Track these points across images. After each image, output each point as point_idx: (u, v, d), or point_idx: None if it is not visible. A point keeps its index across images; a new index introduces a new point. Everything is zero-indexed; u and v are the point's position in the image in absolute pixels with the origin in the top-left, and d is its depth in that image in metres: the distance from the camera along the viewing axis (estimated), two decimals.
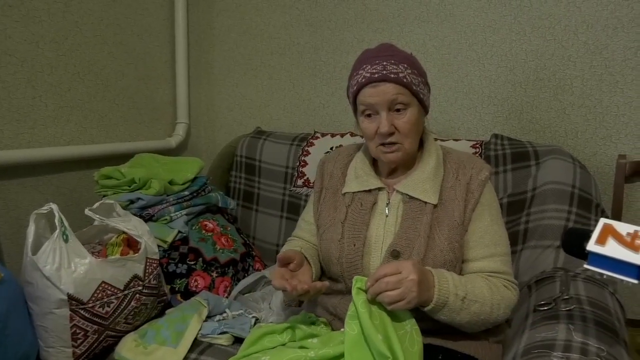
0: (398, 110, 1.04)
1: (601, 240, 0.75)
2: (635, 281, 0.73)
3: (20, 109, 1.50)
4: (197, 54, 2.17)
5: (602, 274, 0.75)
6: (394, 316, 0.95)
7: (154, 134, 2.03)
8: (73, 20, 1.64)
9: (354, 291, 0.93)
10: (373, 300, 0.93)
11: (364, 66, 1.05)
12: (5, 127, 1.47)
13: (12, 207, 1.50)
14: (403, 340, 0.93)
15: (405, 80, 1.02)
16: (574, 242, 0.80)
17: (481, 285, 1.01)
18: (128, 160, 1.63)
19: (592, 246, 0.75)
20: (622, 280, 0.73)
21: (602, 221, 0.77)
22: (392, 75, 1.02)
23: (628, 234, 0.74)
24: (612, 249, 0.73)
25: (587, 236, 0.77)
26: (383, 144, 1.06)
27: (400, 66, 1.03)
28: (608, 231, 0.75)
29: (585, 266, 0.77)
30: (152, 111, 2.01)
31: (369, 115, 1.07)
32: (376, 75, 1.02)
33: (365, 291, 0.93)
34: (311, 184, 1.67)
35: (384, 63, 1.03)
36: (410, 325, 0.95)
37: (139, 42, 1.91)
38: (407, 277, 0.90)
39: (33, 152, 1.52)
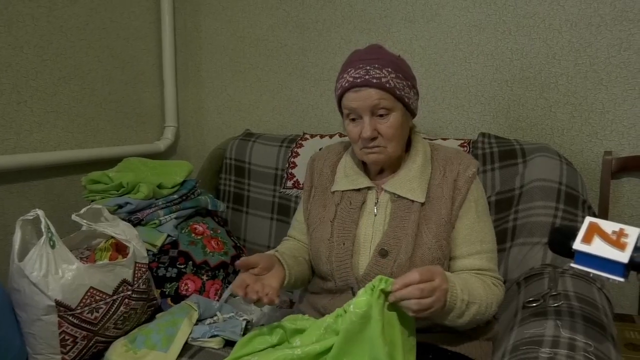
0: (381, 115, 1.04)
1: (587, 239, 0.75)
2: (622, 279, 0.73)
3: (5, 115, 1.49)
4: (184, 57, 2.16)
5: (588, 273, 0.76)
6: (403, 325, 0.91)
7: (142, 137, 2.01)
8: (58, 25, 1.63)
9: (371, 293, 0.87)
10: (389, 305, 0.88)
11: (349, 70, 1.05)
12: None
13: None
14: (405, 351, 0.92)
15: (388, 85, 1.02)
16: (560, 241, 0.80)
17: (477, 285, 1.01)
18: (116, 164, 1.62)
19: (578, 245, 0.76)
20: (608, 279, 0.74)
21: (588, 219, 0.77)
22: (375, 81, 1.02)
23: (614, 232, 0.75)
24: (598, 248, 0.74)
25: (573, 235, 0.77)
26: (364, 147, 1.07)
27: (384, 71, 1.03)
28: (594, 230, 0.76)
29: (572, 265, 0.77)
30: (139, 115, 2.00)
31: (353, 119, 1.07)
32: (358, 80, 1.02)
33: (386, 294, 0.88)
34: (301, 186, 1.67)
35: (367, 67, 1.03)
36: (413, 337, 0.94)
37: (125, 45, 1.90)
38: (440, 285, 0.88)
39: (19, 157, 1.50)
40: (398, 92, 1.04)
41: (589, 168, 1.57)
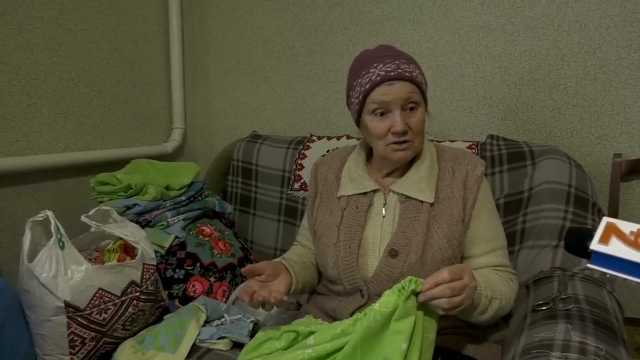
0: (411, 109, 1.04)
1: (604, 239, 0.75)
2: (639, 280, 0.73)
3: (15, 117, 1.50)
4: (192, 59, 2.17)
5: (605, 273, 0.75)
6: (426, 327, 0.90)
7: (149, 139, 2.02)
8: (67, 27, 1.64)
9: (398, 294, 0.86)
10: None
11: (376, 64, 1.04)
12: (1, 134, 1.46)
13: (7, 215, 1.49)
14: (424, 346, 0.91)
15: (417, 79, 1.04)
16: (577, 242, 0.79)
17: (498, 281, 1.03)
18: (124, 166, 1.63)
19: (595, 245, 0.75)
20: (626, 280, 0.73)
21: (605, 220, 0.76)
22: (407, 74, 1.02)
23: (631, 232, 0.74)
24: (616, 248, 0.73)
25: (589, 235, 0.76)
26: (394, 142, 1.05)
27: (411, 65, 1.05)
28: (611, 230, 0.75)
29: (589, 265, 0.76)
30: (147, 117, 2.01)
31: (381, 114, 1.05)
32: (392, 74, 1.01)
33: (417, 294, 0.87)
34: (308, 187, 1.67)
35: (397, 62, 1.03)
36: (434, 334, 0.92)
37: (133, 48, 1.91)
38: (469, 283, 0.88)
39: (28, 159, 1.51)
40: (424, 88, 1.06)
41: (598, 170, 1.56)
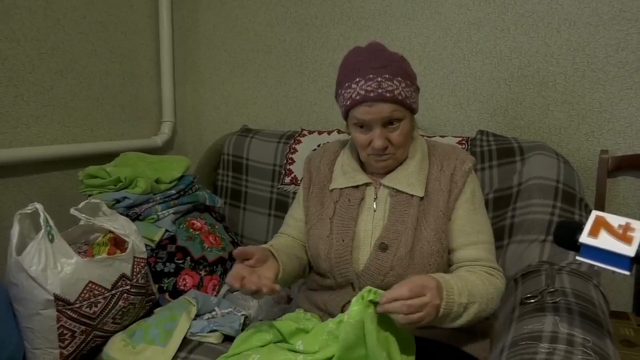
0: (392, 123, 1.05)
1: (594, 233, 0.76)
2: (627, 272, 0.74)
3: (1, 108, 1.48)
4: (182, 52, 2.15)
5: (593, 266, 0.77)
6: (398, 332, 0.92)
7: (139, 132, 2.01)
8: (55, 18, 1.62)
9: (362, 303, 0.87)
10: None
11: (358, 80, 1.02)
12: None
13: None
14: (403, 348, 0.93)
15: (400, 97, 1.02)
16: (566, 235, 0.81)
17: (477, 283, 1.00)
18: (113, 159, 1.62)
19: (584, 238, 0.76)
20: (614, 272, 0.75)
21: (594, 213, 0.78)
22: (389, 95, 1.01)
23: (620, 226, 0.75)
24: (605, 241, 0.74)
25: (579, 228, 0.78)
26: (374, 154, 1.08)
27: (394, 81, 1.02)
28: (600, 223, 0.76)
29: (577, 258, 0.78)
30: (137, 110, 1.99)
31: (361, 127, 1.07)
32: (371, 95, 1.01)
33: (375, 304, 0.88)
34: (299, 182, 1.67)
35: (379, 79, 1.01)
36: (410, 340, 0.95)
37: (123, 40, 1.89)
38: (430, 301, 0.86)
39: (15, 151, 1.50)
40: (408, 102, 1.04)
41: (585, 166, 1.58)
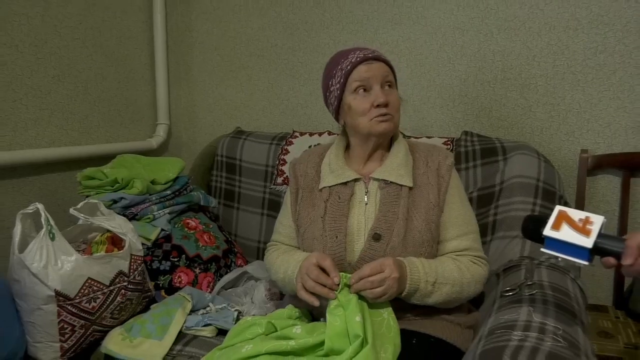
0: (389, 86, 1.16)
1: (556, 226, 0.82)
2: (586, 263, 0.80)
3: (1, 112, 1.52)
4: (176, 56, 2.20)
5: (557, 257, 0.82)
6: (373, 305, 1.03)
7: (134, 135, 2.05)
8: (52, 24, 1.66)
9: (340, 288, 1.02)
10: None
11: (354, 51, 1.16)
12: None
13: None
14: (380, 326, 1.00)
15: (391, 64, 1.19)
16: (532, 228, 0.86)
17: (451, 268, 1.09)
18: (109, 161, 1.66)
19: (548, 231, 0.82)
20: (574, 262, 0.80)
21: (558, 208, 0.84)
22: (383, 57, 1.17)
23: (580, 219, 0.81)
24: (566, 234, 0.80)
25: (544, 222, 0.83)
26: (378, 115, 1.14)
27: (384, 55, 1.19)
28: (562, 217, 0.82)
29: (542, 249, 0.84)
30: (132, 112, 2.04)
31: (362, 90, 1.14)
32: (370, 55, 1.15)
33: (349, 286, 1.02)
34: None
35: (373, 49, 1.18)
36: (387, 313, 1.04)
37: (118, 44, 1.94)
38: (389, 275, 1.00)
39: (14, 154, 1.54)
40: (395, 74, 1.20)
41: (566, 165, 1.64)
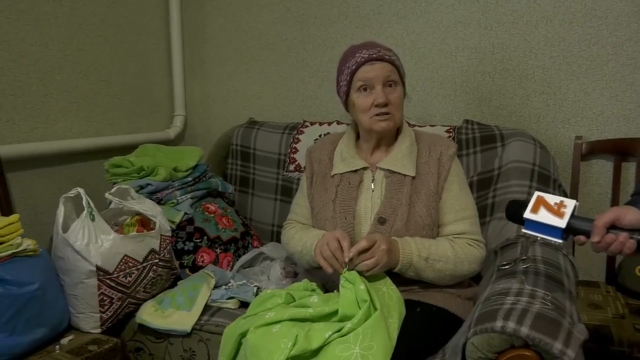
0: (390, 85, 1.24)
1: (535, 209, 0.93)
2: (561, 241, 0.91)
3: (34, 106, 1.64)
4: (191, 50, 2.30)
5: (536, 237, 0.93)
6: (373, 281, 1.14)
7: (153, 126, 2.17)
8: (77, 23, 1.77)
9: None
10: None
11: (361, 51, 1.24)
12: (22, 122, 1.60)
13: (28, 196, 1.64)
14: (383, 298, 1.11)
15: (396, 62, 1.26)
16: (515, 211, 0.97)
17: (446, 247, 1.20)
18: (130, 151, 1.77)
19: (527, 214, 0.93)
20: (551, 241, 0.91)
21: (536, 194, 0.95)
22: (387, 57, 1.24)
23: (555, 203, 0.92)
24: (543, 216, 0.91)
25: (524, 206, 0.94)
26: (377, 114, 1.23)
27: (391, 51, 1.27)
28: (540, 202, 0.93)
29: (523, 230, 0.95)
30: (151, 105, 2.15)
31: (365, 89, 1.24)
32: (374, 55, 1.23)
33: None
34: (302, 169, 1.83)
35: (378, 48, 1.25)
36: (387, 287, 1.15)
37: (137, 40, 2.05)
38: (379, 247, 1.11)
39: (46, 144, 1.66)
40: (401, 71, 1.28)
41: (562, 151, 1.74)
